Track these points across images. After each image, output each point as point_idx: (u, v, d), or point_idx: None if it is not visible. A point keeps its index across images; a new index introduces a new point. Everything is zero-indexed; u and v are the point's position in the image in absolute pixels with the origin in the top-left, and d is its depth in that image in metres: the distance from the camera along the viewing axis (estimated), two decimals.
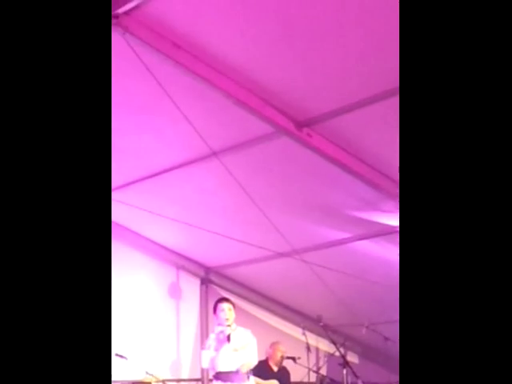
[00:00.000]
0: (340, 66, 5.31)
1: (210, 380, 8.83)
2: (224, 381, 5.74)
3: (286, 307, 10.04)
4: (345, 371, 6.97)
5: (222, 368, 5.73)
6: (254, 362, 5.93)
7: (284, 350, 8.45)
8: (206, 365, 5.85)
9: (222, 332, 5.82)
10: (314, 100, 5.77)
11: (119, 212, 7.38)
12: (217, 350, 5.75)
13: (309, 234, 8.13)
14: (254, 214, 7.41)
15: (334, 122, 5.97)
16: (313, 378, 8.84)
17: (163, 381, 8.02)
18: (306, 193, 7.25)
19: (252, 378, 5.93)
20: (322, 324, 7.39)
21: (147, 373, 7.97)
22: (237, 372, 5.73)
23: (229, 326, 5.81)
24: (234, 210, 7.77)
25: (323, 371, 9.42)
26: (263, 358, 8.13)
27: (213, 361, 5.73)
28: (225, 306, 5.89)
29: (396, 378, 7.89)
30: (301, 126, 6.03)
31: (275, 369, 8.33)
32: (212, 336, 5.88)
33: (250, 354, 5.88)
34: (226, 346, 5.72)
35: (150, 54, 5.22)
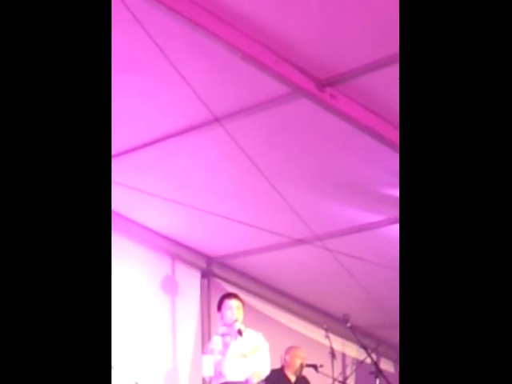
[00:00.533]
0: (368, 14, 5.38)
1: None
2: None
3: (306, 305, 10.18)
4: (378, 382, 7.08)
5: (229, 376, 5.78)
6: (266, 371, 6.00)
7: (303, 356, 8.57)
8: (208, 372, 5.88)
9: (227, 334, 5.88)
10: (338, 55, 5.86)
11: None
12: (223, 354, 5.79)
13: (333, 217, 8.24)
14: (266, 193, 7.53)
15: (362, 80, 6.07)
16: None
17: None
18: (330, 167, 7.36)
19: None
20: (349, 325, 7.51)
21: (136, 382, 8.13)
22: (246, 382, 5.80)
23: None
24: (242, 187, 7.88)
25: (351, 381, 9.55)
26: (278, 365, 8.25)
27: (218, 366, 5.76)
28: (233, 303, 5.97)
29: None
30: (323, 85, 6.12)
31: (293, 379, 8.42)
32: (215, 339, 5.95)
33: (262, 360, 5.94)
34: (234, 349, 5.76)
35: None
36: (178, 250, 9.50)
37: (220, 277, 9.89)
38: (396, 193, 7.39)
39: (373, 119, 6.41)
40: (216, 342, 5.90)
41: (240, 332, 5.80)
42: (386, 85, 6.06)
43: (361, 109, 6.34)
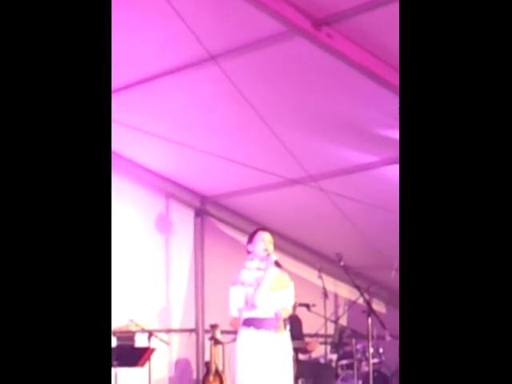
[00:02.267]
0: None
1: (207, 331, 9.21)
2: (257, 328, 5.82)
3: (299, 245, 10.27)
4: (370, 321, 7.13)
5: (260, 308, 5.75)
6: (290, 309, 6.03)
7: (295, 295, 8.65)
8: (238, 303, 5.80)
9: (259, 267, 5.85)
10: None
11: None
12: (254, 286, 5.80)
13: (327, 157, 8.27)
14: (261, 132, 7.53)
15: (360, 19, 6.03)
16: (330, 329, 9.11)
17: (150, 331, 8.29)
18: (325, 106, 7.35)
19: (288, 328, 6.00)
20: (342, 264, 7.56)
21: (131, 320, 8.24)
22: (274, 319, 5.81)
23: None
24: (236, 126, 7.89)
25: (343, 321, 9.66)
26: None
27: (250, 298, 5.75)
28: (266, 235, 5.97)
29: None
30: (319, 24, 6.09)
31: None
32: (245, 272, 5.89)
33: (289, 297, 5.96)
34: (267, 282, 5.73)
35: None
36: (172, 189, 9.56)
37: (213, 216, 9.97)
38: (392, 134, 7.41)
39: (369, 59, 6.39)
40: (245, 274, 5.86)
41: (278, 263, 5.83)
42: (383, 24, 6.02)
43: (357, 49, 6.31)
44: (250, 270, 5.85)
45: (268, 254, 5.83)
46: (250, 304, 5.73)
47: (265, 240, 5.90)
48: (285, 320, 5.89)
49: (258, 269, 5.83)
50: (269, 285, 5.79)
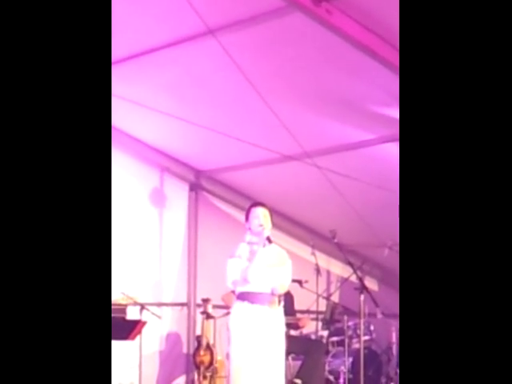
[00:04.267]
0: None
1: (199, 305, 9.26)
2: (252, 302, 5.86)
3: (292, 221, 10.31)
4: (362, 297, 7.17)
5: (253, 283, 5.79)
6: (287, 286, 6.06)
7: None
8: (234, 276, 5.84)
9: (255, 242, 5.88)
10: None
11: None
12: (249, 261, 5.84)
13: (323, 134, 8.29)
14: (257, 108, 7.54)
15: None
16: (322, 305, 9.17)
17: (141, 304, 8.32)
18: (322, 83, 7.36)
19: (282, 304, 6.04)
20: (336, 241, 7.59)
21: (122, 293, 8.26)
22: (270, 294, 5.85)
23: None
24: (233, 101, 7.89)
25: (335, 298, 9.73)
26: None
27: (244, 272, 5.80)
28: (259, 211, 5.98)
29: None
30: (319, 0, 6.09)
31: None
32: (242, 245, 5.93)
33: (286, 274, 5.99)
34: (261, 257, 5.77)
35: None
36: (167, 163, 9.58)
37: (208, 190, 10.00)
38: (389, 112, 7.43)
39: (368, 36, 6.39)
40: (243, 248, 5.89)
41: (269, 239, 5.85)
42: (383, 2, 6.03)
43: (357, 25, 6.31)
44: (248, 245, 5.89)
45: (263, 229, 5.87)
46: (242, 278, 5.78)
47: (259, 216, 5.94)
48: (280, 296, 5.93)
49: (256, 243, 5.88)
50: (265, 260, 5.83)
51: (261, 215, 5.94)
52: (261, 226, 5.89)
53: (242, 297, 5.86)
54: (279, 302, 5.94)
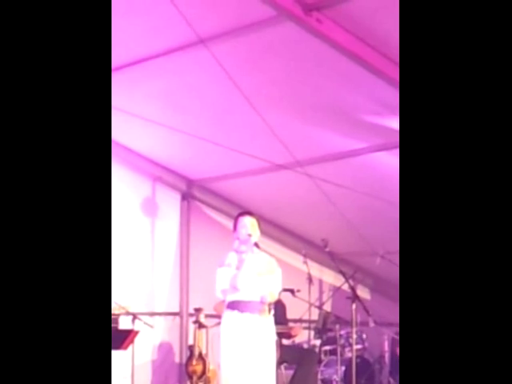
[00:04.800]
0: None
1: (191, 314, 9.25)
2: (242, 311, 5.85)
3: (284, 230, 10.32)
4: (354, 306, 7.19)
5: (243, 291, 5.79)
6: (276, 295, 6.05)
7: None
8: (223, 285, 5.84)
9: (243, 251, 5.88)
10: None
11: None
12: (238, 269, 5.84)
13: (314, 143, 8.30)
14: (249, 117, 7.56)
15: (350, 5, 6.06)
16: (315, 314, 9.16)
17: (134, 314, 8.31)
18: (313, 92, 7.38)
19: (272, 313, 6.03)
20: (328, 250, 7.60)
21: (115, 303, 8.25)
22: (259, 302, 5.84)
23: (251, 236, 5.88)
24: (225, 110, 7.90)
25: (327, 307, 9.73)
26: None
27: (233, 280, 5.79)
28: (247, 220, 5.98)
29: None
30: (310, 9, 6.12)
31: None
32: (231, 254, 5.94)
33: (275, 282, 5.98)
34: (250, 265, 5.77)
35: None
36: (159, 172, 9.58)
37: (200, 200, 10.00)
38: (380, 121, 7.45)
39: (359, 45, 6.41)
40: (232, 257, 5.90)
41: (257, 244, 5.87)
42: (374, 11, 6.06)
43: (347, 35, 6.33)
44: (237, 254, 5.90)
45: (250, 238, 5.88)
46: (231, 286, 5.78)
47: (246, 225, 5.94)
48: (270, 304, 5.93)
49: (244, 252, 5.88)
50: (254, 268, 5.83)
51: (248, 224, 5.95)
52: (249, 235, 5.90)
53: (232, 306, 5.86)
54: (269, 310, 5.93)
